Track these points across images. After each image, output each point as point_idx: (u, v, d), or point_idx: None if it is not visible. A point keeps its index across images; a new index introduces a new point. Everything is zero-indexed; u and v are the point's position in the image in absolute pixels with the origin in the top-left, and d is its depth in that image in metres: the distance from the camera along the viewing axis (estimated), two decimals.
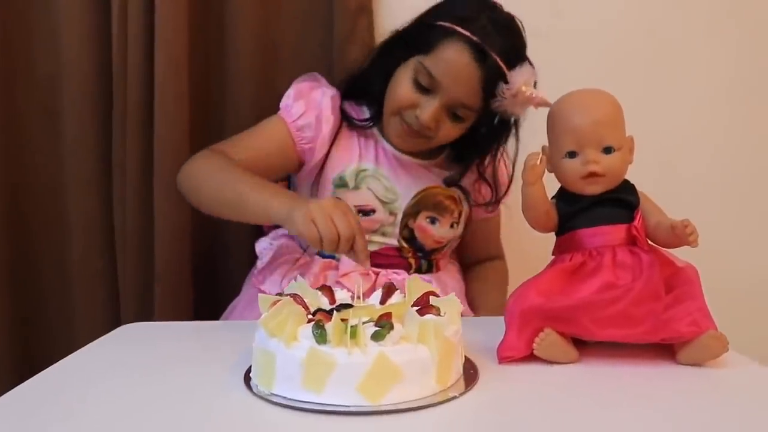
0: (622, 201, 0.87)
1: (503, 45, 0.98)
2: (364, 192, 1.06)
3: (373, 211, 1.06)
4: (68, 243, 1.32)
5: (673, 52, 1.44)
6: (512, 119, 1.03)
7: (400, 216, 1.08)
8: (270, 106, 1.16)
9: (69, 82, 1.26)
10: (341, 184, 1.07)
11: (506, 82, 0.95)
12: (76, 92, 1.27)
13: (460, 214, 1.12)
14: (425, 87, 1.00)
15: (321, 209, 0.86)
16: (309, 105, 1.07)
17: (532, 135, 0.99)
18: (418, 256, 1.11)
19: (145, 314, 1.27)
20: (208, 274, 1.32)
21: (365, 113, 1.10)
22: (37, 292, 1.34)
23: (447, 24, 0.98)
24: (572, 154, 0.86)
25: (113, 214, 1.30)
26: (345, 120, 1.08)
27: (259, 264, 1.14)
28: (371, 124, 1.09)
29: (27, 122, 1.30)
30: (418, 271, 1.11)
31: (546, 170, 0.85)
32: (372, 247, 1.05)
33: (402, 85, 1.02)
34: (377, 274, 1.06)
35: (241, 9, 1.27)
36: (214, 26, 1.29)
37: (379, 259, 1.07)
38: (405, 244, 1.09)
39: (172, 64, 1.21)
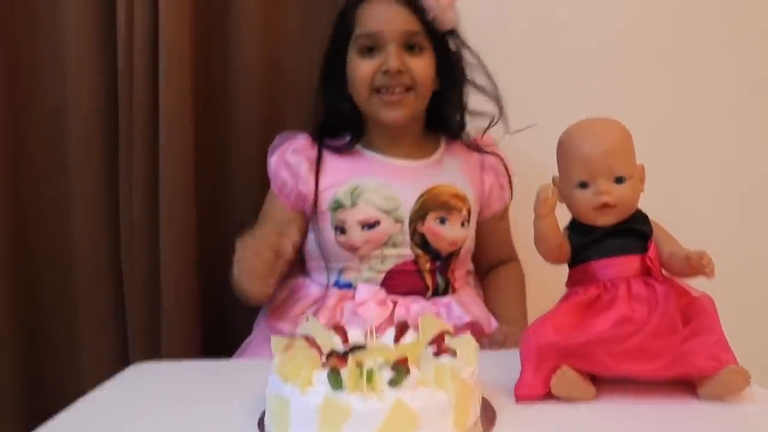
0: (635, 231, 0.86)
1: None
2: (363, 206, 1.06)
3: (378, 222, 1.06)
4: (75, 280, 1.30)
5: (679, 68, 1.42)
6: (454, 34, 1.09)
7: (407, 222, 1.07)
8: (276, 129, 1.17)
9: (75, 115, 1.26)
10: (337, 206, 1.07)
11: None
12: (82, 125, 1.26)
13: (469, 213, 1.11)
14: (372, 47, 1.05)
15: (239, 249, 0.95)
16: (284, 170, 1.10)
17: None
18: (435, 266, 1.09)
19: (153, 347, 1.25)
20: (218, 308, 1.29)
21: (347, 138, 1.12)
22: (42, 325, 1.32)
23: (351, 2, 1.07)
24: (583, 185, 0.85)
25: (120, 251, 1.29)
26: (328, 150, 1.10)
27: (275, 300, 1.13)
28: (356, 140, 1.10)
29: (34, 155, 1.29)
30: (435, 292, 1.09)
31: (557, 201, 0.85)
32: (387, 264, 1.06)
33: (356, 65, 1.06)
34: (394, 303, 1.05)
35: (246, 36, 1.26)
36: (219, 56, 1.28)
37: (396, 279, 1.07)
38: (419, 251, 1.08)
39: (178, 98, 1.21)
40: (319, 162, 1.09)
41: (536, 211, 0.83)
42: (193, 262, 1.24)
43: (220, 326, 1.30)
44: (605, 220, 0.85)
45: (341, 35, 1.09)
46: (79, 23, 1.22)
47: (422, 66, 1.07)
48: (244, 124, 1.26)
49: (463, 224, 1.10)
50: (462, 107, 1.13)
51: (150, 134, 1.22)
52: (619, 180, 0.84)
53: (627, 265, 0.84)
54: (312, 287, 1.11)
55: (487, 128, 1.12)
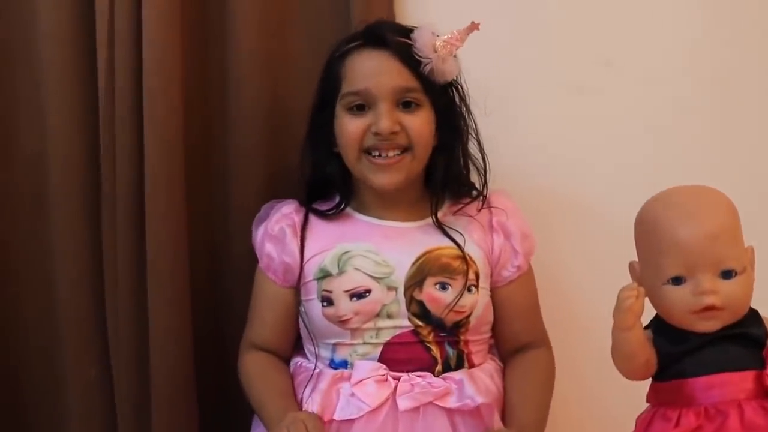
0: (746, 337, 0.66)
1: (388, 27, 1.01)
2: (351, 274, 0.98)
3: (368, 291, 0.97)
4: (58, 349, 1.19)
5: (738, 100, 1.21)
6: (453, 85, 1.02)
7: (401, 290, 0.98)
8: (280, 181, 1.11)
9: (55, 162, 1.15)
10: (324, 275, 0.99)
11: (416, 49, 0.96)
12: (62, 174, 1.15)
13: (477, 276, 1.00)
14: (362, 105, 0.98)
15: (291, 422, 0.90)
16: (269, 243, 1.04)
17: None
18: (442, 338, 0.98)
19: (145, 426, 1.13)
20: (217, 388, 1.16)
21: (336, 200, 1.05)
22: (24, 399, 1.21)
23: (336, 54, 1.01)
24: (678, 280, 0.66)
25: (106, 315, 1.16)
26: (315, 215, 1.04)
27: None
28: (344, 204, 1.04)
29: (14, 205, 1.19)
30: (447, 366, 0.98)
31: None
32: (383, 337, 0.97)
33: (343, 124, 0.99)
34: (397, 379, 0.95)
35: (246, 75, 1.12)
36: (214, 101, 1.15)
37: (396, 353, 0.97)
38: (419, 322, 0.98)
39: (164, 145, 1.08)
40: (304, 228, 1.02)
41: (617, 321, 0.63)
42: (186, 332, 1.13)
43: (217, 408, 1.17)
44: (708, 325, 0.66)
45: (327, 88, 1.01)
46: (61, 65, 1.13)
47: (419, 124, 0.98)
48: (244, 177, 1.14)
49: (470, 289, 0.99)
50: (465, 162, 1.05)
51: (134, 191, 1.10)
52: (727, 274, 0.65)
53: (738, 384, 0.67)
54: (307, 368, 1.01)
55: (468, 203, 1.04)
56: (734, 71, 1.19)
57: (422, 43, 0.96)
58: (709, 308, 0.63)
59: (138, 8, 1.06)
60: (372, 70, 0.97)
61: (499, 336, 1.06)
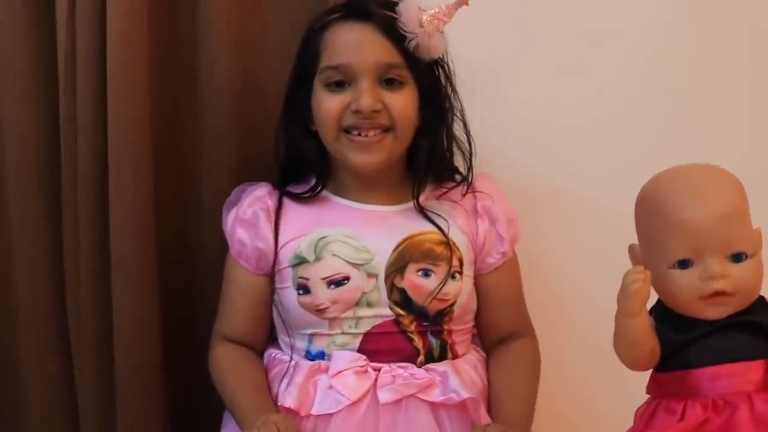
0: (755, 325, 0.62)
1: (373, 1, 0.95)
2: (329, 260, 0.94)
3: (347, 278, 0.94)
4: (15, 341, 1.13)
5: (732, 80, 1.18)
6: (439, 63, 0.97)
7: (382, 277, 0.95)
8: (254, 171, 1.04)
9: (10, 143, 1.08)
10: (299, 261, 0.95)
11: (401, 23, 0.92)
12: (18, 156, 1.08)
13: (461, 263, 0.96)
14: (342, 81, 0.94)
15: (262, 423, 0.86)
16: (240, 228, 0.99)
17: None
18: (424, 327, 0.95)
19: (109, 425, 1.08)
20: (186, 384, 1.10)
21: (311, 182, 1.01)
22: None
23: (315, 26, 0.96)
24: (684, 263, 0.62)
25: (67, 306, 1.11)
26: (290, 198, 1.00)
27: None
28: (320, 186, 0.99)
29: None
30: (429, 357, 0.95)
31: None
32: (363, 326, 0.94)
33: (321, 100, 0.95)
34: (378, 370, 0.92)
35: (217, 50, 1.06)
36: (183, 76, 1.08)
37: (377, 343, 0.94)
38: (401, 311, 0.95)
39: (129, 124, 1.01)
40: (279, 211, 0.98)
41: (622, 306, 0.59)
42: (153, 325, 1.07)
43: (186, 402, 1.12)
44: (716, 312, 0.62)
45: (305, 63, 0.96)
46: (15, 35, 1.06)
47: (402, 103, 0.94)
48: (215, 159, 1.08)
49: (454, 276, 0.96)
50: (450, 145, 1.01)
51: (97, 174, 1.04)
52: (738, 257, 0.61)
53: (747, 374, 0.63)
54: (282, 360, 0.98)
55: (452, 187, 1.00)
56: (725, 50, 1.16)
57: (408, 16, 0.91)
58: (719, 294, 0.59)
59: None
60: (353, 43, 0.93)
61: (482, 325, 1.02)
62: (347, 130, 0.94)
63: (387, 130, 0.94)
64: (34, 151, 1.07)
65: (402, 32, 0.91)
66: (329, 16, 0.96)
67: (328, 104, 0.93)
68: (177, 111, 1.09)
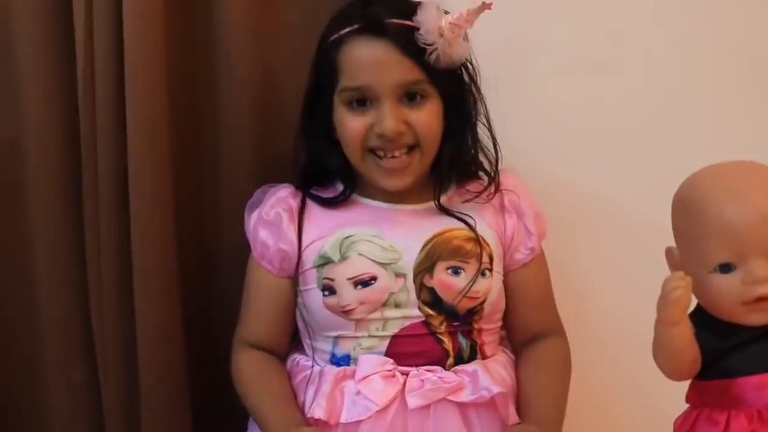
0: None
1: (389, 7, 0.92)
2: (355, 260, 0.93)
3: (374, 278, 0.92)
4: (39, 348, 1.13)
5: (759, 73, 1.14)
6: (462, 67, 0.94)
7: (410, 276, 0.93)
8: (273, 166, 1.04)
9: (32, 149, 1.08)
10: (324, 262, 0.94)
11: (420, 34, 0.89)
12: (40, 161, 1.08)
13: (491, 259, 0.95)
14: (363, 100, 0.92)
15: None
16: (263, 229, 0.97)
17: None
18: (455, 327, 0.93)
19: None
20: (210, 390, 1.10)
21: (339, 187, 0.99)
22: (5, 401, 1.15)
23: (330, 39, 0.93)
24: (726, 267, 0.59)
25: (90, 312, 1.10)
26: (313, 200, 0.98)
27: None
28: (349, 192, 0.98)
29: None
30: (459, 359, 0.93)
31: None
32: (391, 329, 0.92)
33: (343, 120, 0.93)
34: (406, 374, 0.90)
35: (235, 49, 1.04)
36: (201, 76, 1.07)
37: (405, 346, 0.92)
38: (430, 311, 0.93)
39: (148, 125, 1.00)
40: (302, 212, 0.96)
41: (663, 315, 0.56)
42: (176, 329, 1.06)
43: (211, 410, 1.11)
44: (761, 318, 0.59)
45: (323, 78, 0.94)
46: (36, 43, 1.06)
47: (425, 119, 0.92)
48: (235, 160, 1.07)
49: (484, 273, 0.94)
50: (475, 144, 0.99)
51: (117, 177, 1.03)
52: None
53: None
54: (306, 366, 0.96)
55: (479, 193, 0.97)
56: (750, 45, 1.12)
57: (427, 26, 0.88)
58: (764, 299, 0.56)
59: None
60: (372, 63, 0.90)
61: (511, 325, 1.00)
62: (372, 150, 0.92)
63: (413, 148, 0.92)
64: (55, 158, 1.06)
65: (421, 44, 0.88)
66: (344, 28, 0.92)
67: (351, 125, 0.92)
68: (195, 112, 1.08)
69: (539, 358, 0.98)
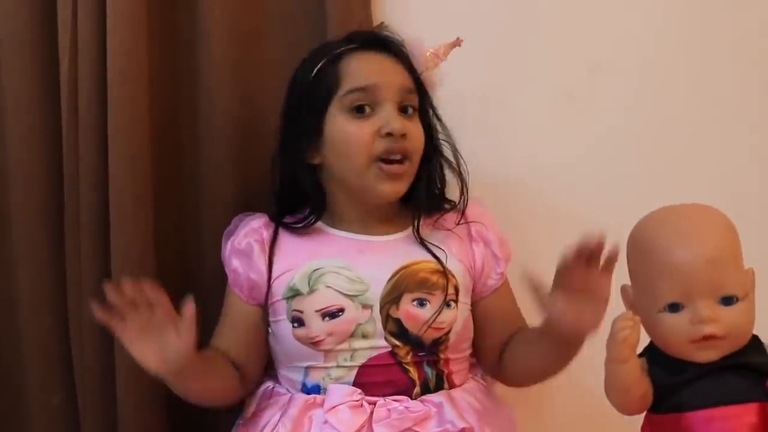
0: (749, 367, 0.61)
1: (386, 35, 0.99)
2: (323, 292, 0.94)
3: (341, 310, 0.93)
4: (20, 373, 1.12)
5: (729, 103, 1.17)
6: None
7: (377, 308, 0.93)
8: (254, 196, 1.05)
9: (16, 179, 1.09)
10: (293, 294, 0.95)
11: (413, 57, 0.96)
12: (24, 191, 1.09)
13: (456, 291, 0.96)
14: (362, 108, 0.93)
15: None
16: (236, 258, 0.99)
17: None
18: (420, 357, 0.94)
19: None
20: (190, 415, 1.08)
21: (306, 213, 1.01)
22: None
23: (331, 55, 0.96)
24: (675, 307, 0.62)
25: (70, 338, 1.11)
26: (285, 230, 0.99)
27: (245, 413, 0.99)
28: (313, 218, 0.99)
29: None
30: (425, 388, 0.94)
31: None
32: (359, 359, 0.93)
33: (347, 128, 0.94)
34: (373, 404, 0.91)
35: (217, 84, 1.06)
36: (183, 109, 1.09)
37: (372, 376, 0.93)
38: (396, 341, 0.94)
39: (129, 158, 1.02)
40: (273, 244, 0.97)
41: (611, 353, 0.59)
42: None
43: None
44: (707, 355, 0.62)
45: (316, 94, 0.95)
46: (21, 77, 1.08)
47: (417, 132, 0.96)
48: (215, 190, 1.08)
49: (449, 304, 0.95)
50: (441, 175, 1.01)
51: (98, 207, 1.04)
52: (728, 300, 0.61)
53: (741, 417, 0.63)
54: (279, 393, 0.97)
55: (443, 214, 1.00)
56: (726, 74, 1.15)
57: (416, 54, 0.96)
58: (709, 337, 0.58)
59: (102, 16, 1.00)
60: (378, 67, 0.94)
61: (489, 346, 1.01)
62: (380, 158, 0.93)
63: (405, 158, 0.94)
64: (38, 189, 1.07)
65: (414, 62, 0.95)
66: (344, 46, 0.96)
67: (356, 132, 0.92)
68: (177, 145, 1.09)
69: (517, 336, 0.99)
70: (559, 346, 0.89)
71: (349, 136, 0.92)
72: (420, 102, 0.96)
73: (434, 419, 0.90)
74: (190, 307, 0.86)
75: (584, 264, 0.80)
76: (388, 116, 0.91)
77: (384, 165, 0.92)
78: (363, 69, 0.93)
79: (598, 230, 0.84)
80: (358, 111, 0.92)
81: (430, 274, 0.95)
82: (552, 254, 1.14)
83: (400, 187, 0.94)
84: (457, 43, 0.95)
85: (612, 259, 0.76)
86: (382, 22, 1.06)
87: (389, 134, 0.91)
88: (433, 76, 0.97)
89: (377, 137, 0.91)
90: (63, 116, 1.05)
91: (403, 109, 0.94)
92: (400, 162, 0.93)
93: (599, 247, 0.78)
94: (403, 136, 0.92)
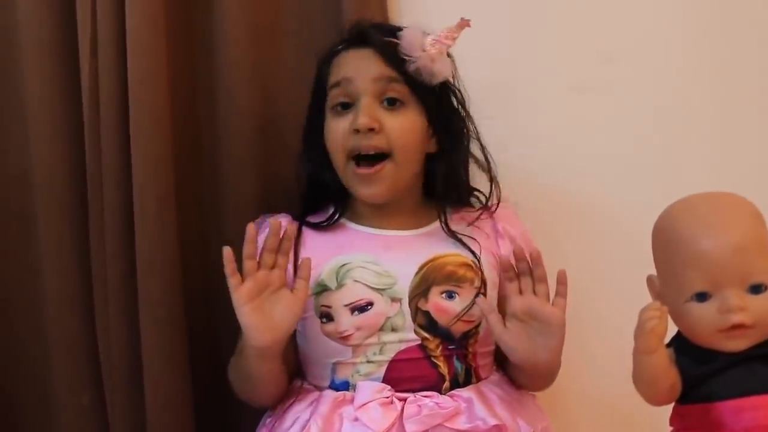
0: None
1: (373, 26, 0.98)
2: (351, 287, 0.94)
3: (371, 304, 0.93)
4: (49, 373, 1.13)
5: (750, 96, 1.16)
6: (450, 88, 0.98)
7: (406, 301, 0.94)
8: (275, 195, 1.06)
9: (41, 180, 1.10)
10: (321, 289, 0.95)
11: (401, 47, 0.92)
12: (48, 192, 1.10)
13: (484, 284, 0.96)
14: (346, 103, 0.94)
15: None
16: None
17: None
18: (450, 351, 0.94)
19: None
20: (216, 413, 1.10)
21: (330, 211, 1.01)
22: (17, 427, 1.16)
23: (326, 55, 0.98)
24: (702, 296, 0.61)
25: (97, 337, 1.11)
26: (309, 227, 0.99)
27: (271, 410, 0.99)
28: (338, 215, 0.99)
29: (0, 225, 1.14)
30: (455, 383, 0.94)
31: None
32: (388, 353, 0.93)
33: (329, 128, 0.96)
34: (403, 401, 0.90)
35: (235, 84, 1.07)
36: (203, 108, 1.10)
37: (402, 371, 0.93)
38: (426, 334, 0.94)
39: (151, 158, 1.02)
40: (297, 242, 0.97)
41: (639, 344, 0.58)
42: (181, 354, 1.07)
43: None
44: (736, 344, 0.61)
45: (317, 93, 0.99)
46: (43, 79, 1.08)
47: (401, 125, 0.93)
48: (236, 190, 1.08)
49: (477, 296, 0.95)
50: (466, 169, 1.01)
51: (122, 208, 1.05)
52: (756, 289, 0.60)
53: None
54: (307, 389, 0.97)
55: (477, 217, 0.99)
56: (745, 64, 1.14)
57: (408, 41, 0.92)
58: (738, 326, 0.58)
59: (121, 17, 1.01)
60: (353, 61, 0.94)
61: None
62: (352, 157, 0.93)
63: (386, 156, 0.93)
64: (62, 189, 1.08)
65: (402, 56, 0.92)
66: (335, 47, 0.98)
67: (334, 128, 0.94)
68: (197, 145, 1.10)
69: None
70: (523, 371, 0.94)
71: (329, 134, 0.94)
72: (419, 92, 0.94)
73: (464, 415, 0.90)
74: (307, 263, 0.88)
75: (515, 284, 0.87)
76: (357, 110, 0.91)
77: (356, 167, 0.93)
78: (341, 65, 0.95)
79: (518, 246, 0.88)
80: (342, 107, 0.93)
81: (457, 267, 0.95)
82: (572, 249, 1.16)
83: (378, 190, 0.94)
84: (463, 24, 0.91)
85: (559, 280, 0.83)
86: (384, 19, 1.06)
87: (356, 130, 0.90)
88: (437, 64, 0.92)
89: (349, 134, 0.92)
90: (85, 117, 1.06)
91: (388, 102, 0.93)
92: (374, 160, 0.93)
93: (521, 262, 0.83)
94: (372, 130, 0.91)
